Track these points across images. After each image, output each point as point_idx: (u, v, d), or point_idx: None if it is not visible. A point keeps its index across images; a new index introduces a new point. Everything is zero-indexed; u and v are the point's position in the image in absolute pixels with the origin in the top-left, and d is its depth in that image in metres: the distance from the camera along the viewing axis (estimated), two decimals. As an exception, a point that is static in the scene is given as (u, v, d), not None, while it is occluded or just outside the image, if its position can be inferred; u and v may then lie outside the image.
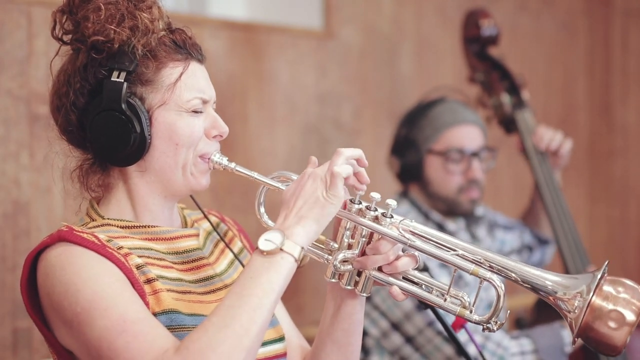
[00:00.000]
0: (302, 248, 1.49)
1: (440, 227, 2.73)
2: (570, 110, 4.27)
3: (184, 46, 1.61)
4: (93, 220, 1.62)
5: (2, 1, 2.43)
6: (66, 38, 1.61)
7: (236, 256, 1.75)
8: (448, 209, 2.74)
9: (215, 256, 1.72)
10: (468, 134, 2.72)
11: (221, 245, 1.76)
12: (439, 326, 2.54)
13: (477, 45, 3.03)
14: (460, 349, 1.74)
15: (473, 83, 3.06)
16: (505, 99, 2.98)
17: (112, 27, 1.55)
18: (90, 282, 1.46)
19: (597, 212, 4.36)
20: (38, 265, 1.52)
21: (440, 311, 1.73)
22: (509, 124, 2.97)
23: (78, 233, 1.52)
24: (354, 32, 3.41)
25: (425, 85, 3.55)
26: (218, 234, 1.76)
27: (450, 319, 1.78)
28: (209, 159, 1.63)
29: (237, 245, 1.79)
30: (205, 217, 1.76)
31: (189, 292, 1.60)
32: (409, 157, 2.73)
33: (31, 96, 2.45)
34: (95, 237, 1.52)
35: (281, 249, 1.46)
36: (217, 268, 1.70)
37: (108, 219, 1.62)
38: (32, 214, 2.46)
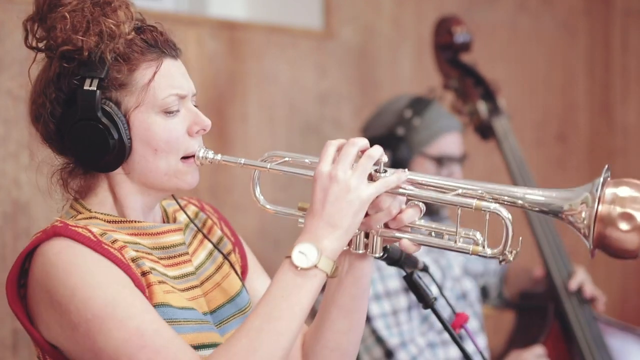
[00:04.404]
0: (334, 262, 1.47)
1: None
2: (570, 110, 4.27)
3: (155, 45, 1.59)
4: (80, 213, 1.60)
5: (2, 1, 2.43)
6: (41, 45, 1.59)
7: (216, 246, 1.73)
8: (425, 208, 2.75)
9: (194, 247, 1.70)
10: (457, 141, 2.76)
11: (200, 235, 1.73)
12: (375, 324, 2.56)
13: (449, 52, 3.04)
14: (461, 349, 1.74)
15: (447, 90, 3.06)
16: (481, 106, 2.99)
17: (79, 36, 1.53)
18: (99, 290, 1.45)
19: (597, 212, 4.36)
20: (34, 260, 1.50)
21: (440, 309, 1.73)
22: (485, 131, 2.99)
23: (73, 228, 1.50)
24: (354, 32, 3.40)
25: (425, 86, 3.55)
26: (196, 226, 1.73)
27: (449, 319, 1.78)
28: (193, 156, 1.60)
29: (216, 234, 1.76)
30: (182, 209, 1.73)
31: (173, 287, 1.59)
32: (399, 154, 2.74)
33: (31, 96, 2.45)
34: (90, 231, 1.51)
35: (316, 266, 1.45)
36: (195, 262, 1.68)
37: (95, 212, 1.60)
38: (32, 214, 2.46)
